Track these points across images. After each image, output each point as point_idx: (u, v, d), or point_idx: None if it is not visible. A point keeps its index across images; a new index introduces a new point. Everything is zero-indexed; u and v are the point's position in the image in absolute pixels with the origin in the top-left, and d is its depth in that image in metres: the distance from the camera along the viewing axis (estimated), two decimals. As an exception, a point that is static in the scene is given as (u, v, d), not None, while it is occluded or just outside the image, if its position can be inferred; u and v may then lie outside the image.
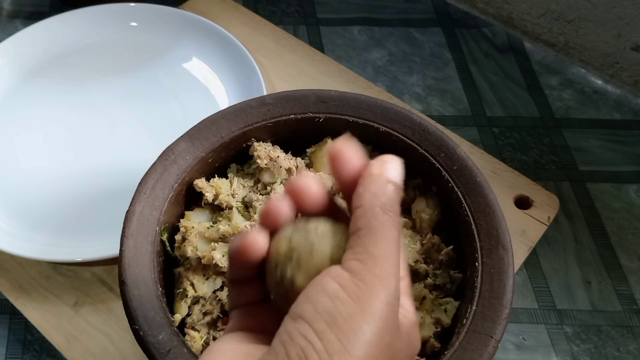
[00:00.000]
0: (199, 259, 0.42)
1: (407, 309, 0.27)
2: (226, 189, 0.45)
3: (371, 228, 0.24)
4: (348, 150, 0.27)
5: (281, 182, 0.46)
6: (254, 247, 0.27)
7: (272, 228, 0.27)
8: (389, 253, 0.24)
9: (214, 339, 0.41)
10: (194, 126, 0.45)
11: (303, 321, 0.23)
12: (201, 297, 0.41)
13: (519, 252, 0.53)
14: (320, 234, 0.26)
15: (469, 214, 0.41)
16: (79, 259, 0.50)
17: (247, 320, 0.28)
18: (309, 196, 0.27)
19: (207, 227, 0.43)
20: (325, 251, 0.26)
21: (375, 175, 0.26)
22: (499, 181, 0.58)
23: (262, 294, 0.29)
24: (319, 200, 0.27)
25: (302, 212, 0.28)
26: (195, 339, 0.40)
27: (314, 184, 0.27)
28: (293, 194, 0.27)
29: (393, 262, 0.24)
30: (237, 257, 0.27)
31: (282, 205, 0.27)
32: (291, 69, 0.67)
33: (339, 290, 0.23)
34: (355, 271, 0.23)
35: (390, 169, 0.26)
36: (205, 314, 0.41)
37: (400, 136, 0.45)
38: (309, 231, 0.26)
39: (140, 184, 0.42)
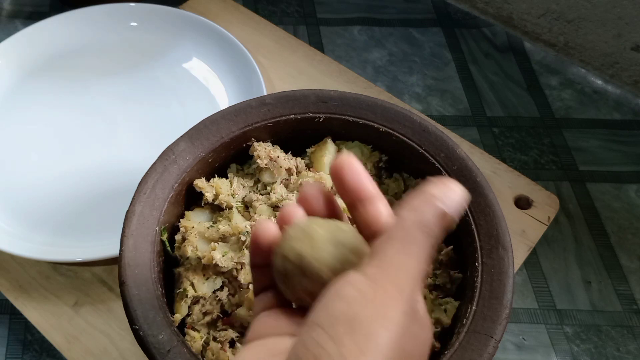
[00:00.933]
0: (199, 259, 0.42)
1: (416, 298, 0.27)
2: (226, 189, 0.45)
3: (400, 239, 0.24)
4: (350, 165, 0.28)
5: (281, 182, 0.46)
6: (264, 234, 0.29)
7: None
8: (411, 267, 0.24)
9: (214, 339, 0.41)
10: (194, 126, 0.45)
11: (318, 327, 0.22)
12: (201, 297, 0.41)
13: (519, 252, 0.53)
14: (323, 229, 0.27)
15: (469, 214, 0.41)
16: (79, 259, 0.50)
17: (271, 300, 0.30)
18: (317, 203, 0.29)
19: (207, 227, 0.43)
20: (327, 250, 0.26)
21: (428, 194, 0.25)
22: (499, 181, 0.58)
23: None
24: (324, 205, 0.29)
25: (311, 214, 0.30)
26: (195, 339, 0.41)
27: (320, 191, 0.30)
28: (303, 202, 0.29)
29: (413, 276, 0.23)
30: (252, 242, 0.29)
31: (296, 210, 0.29)
32: (291, 69, 0.67)
33: (355, 295, 0.23)
34: (373, 277, 0.23)
35: (448, 195, 0.25)
36: (205, 314, 0.41)
37: (400, 136, 0.45)
38: (312, 224, 0.27)
39: (140, 184, 0.42)
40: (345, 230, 0.27)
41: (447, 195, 0.25)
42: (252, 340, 0.28)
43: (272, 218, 0.42)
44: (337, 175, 0.28)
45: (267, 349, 0.26)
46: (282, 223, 0.29)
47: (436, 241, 0.25)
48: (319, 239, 0.27)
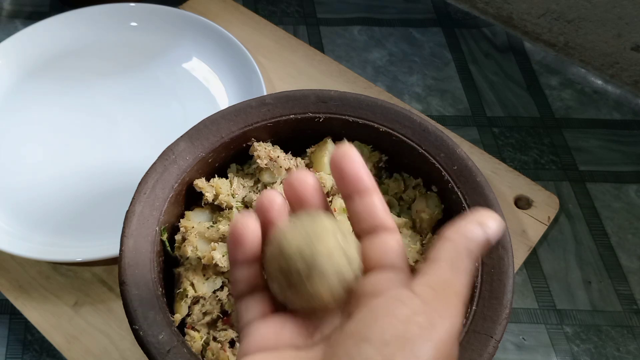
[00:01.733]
0: (199, 259, 0.42)
1: None
2: (226, 189, 0.45)
3: (449, 260, 0.25)
4: (351, 155, 0.28)
5: (281, 182, 0.46)
6: (248, 228, 0.28)
7: (265, 219, 0.28)
8: (459, 288, 0.25)
9: (214, 339, 0.41)
10: (194, 126, 0.45)
11: (369, 345, 0.22)
12: (201, 297, 0.41)
13: (519, 252, 0.53)
14: (316, 234, 0.26)
15: (469, 214, 0.41)
16: (79, 259, 0.50)
17: (264, 305, 0.29)
18: (307, 189, 0.29)
19: (207, 227, 0.43)
20: (331, 241, 0.26)
21: (476, 220, 0.26)
22: (499, 181, 0.58)
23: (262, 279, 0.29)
24: (315, 193, 0.29)
25: (300, 207, 0.29)
26: (195, 339, 0.41)
27: (311, 177, 0.29)
28: (290, 187, 0.29)
29: (462, 301, 0.25)
30: (234, 237, 0.28)
31: (276, 197, 0.28)
32: (291, 69, 0.67)
33: (411, 316, 0.23)
34: (425, 297, 0.24)
35: (492, 225, 0.26)
36: (205, 314, 0.41)
37: (400, 136, 0.45)
38: (313, 220, 0.27)
39: (140, 184, 0.42)
40: (348, 234, 0.27)
41: (490, 223, 0.26)
42: (250, 354, 0.26)
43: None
44: (337, 163, 0.28)
45: None
46: (264, 213, 0.28)
47: (475, 265, 0.26)
48: (329, 237, 0.26)
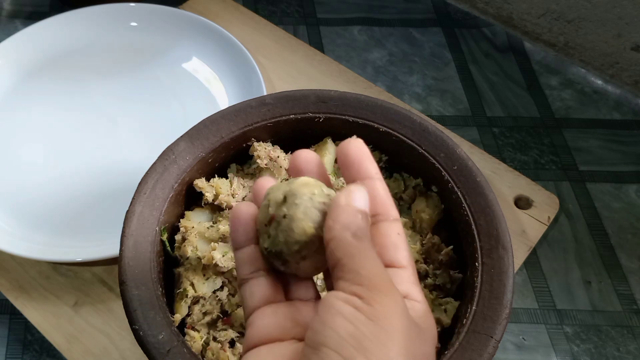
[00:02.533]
0: (199, 259, 0.42)
1: (416, 298, 0.27)
2: (226, 189, 0.45)
3: (351, 255, 0.25)
4: (357, 143, 0.29)
5: (281, 182, 0.46)
6: (246, 210, 0.29)
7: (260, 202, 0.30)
8: (378, 270, 0.24)
9: (214, 339, 0.41)
10: (194, 126, 0.45)
11: (328, 349, 0.22)
12: (201, 297, 0.41)
13: (519, 252, 0.53)
14: (302, 182, 0.28)
15: (469, 214, 0.41)
16: (79, 259, 0.50)
17: (268, 289, 0.29)
18: (308, 162, 0.30)
19: (207, 227, 0.43)
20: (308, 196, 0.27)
21: (343, 206, 0.26)
22: (499, 181, 0.58)
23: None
24: (316, 167, 0.30)
25: None
26: (195, 339, 0.40)
27: (314, 154, 0.31)
28: (294, 160, 0.30)
29: (387, 276, 0.24)
30: (234, 220, 0.29)
31: (268, 181, 0.30)
32: (291, 69, 0.67)
33: (356, 312, 0.23)
34: (360, 294, 0.24)
35: (357, 198, 0.26)
36: (205, 314, 0.41)
37: (400, 136, 0.45)
38: (291, 181, 0.28)
39: (140, 184, 0.42)
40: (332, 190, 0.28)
41: (357, 200, 0.26)
42: (255, 343, 0.27)
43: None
44: (342, 150, 0.29)
45: (275, 358, 0.26)
46: (259, 195, 0.30)
47: (370, 239, 0.26)
48: (313, 185, 0.27)
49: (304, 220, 0.26)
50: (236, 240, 0.29)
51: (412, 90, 0.69)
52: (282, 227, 0.27)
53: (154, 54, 0.67)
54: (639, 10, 0.63)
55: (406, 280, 0.27)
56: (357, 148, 0.29)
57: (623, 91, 0.69)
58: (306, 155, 0.30)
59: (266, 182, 0.31)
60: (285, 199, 0.27)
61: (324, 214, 0.27)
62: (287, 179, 0.29)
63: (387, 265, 0.27)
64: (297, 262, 0.27)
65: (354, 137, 0.30)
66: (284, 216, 0.27)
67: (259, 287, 0.28)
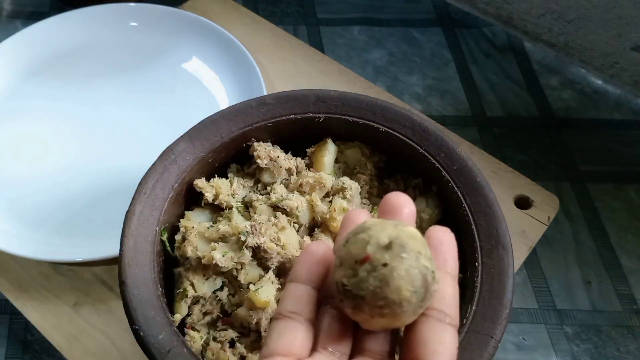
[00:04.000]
0: (199, 259, 0.42)
1: None
2: (226, 189, 0.45)
3: None
4: (449, 240, 0.28)
5: (281, 182, 0.46)
6: (317, 248, 0.28)
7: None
8: None
9: (214, 339, 0.41)
10: (194, 126, 0.45)
11: None
12: (201, 297, 0.41)
13: (519, 252, 0.53)
14: (410, 234, 0.25)
15: (469, 214, 0.41)
16: (79, 259, 0.50)
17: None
18: (406, 215, 0.29)
19: (207, 227, 0.43)
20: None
21: None
22: (499, 181, 0.58)
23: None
24: (410, 219, 0.29)
25: None
26: (195, 339, 0.40)
27: (409, 201, 0.29)
28: (386, 206, 0.29)
29: None
30: (304, 256, 0.28)
31: (364, 214, 0.29)
32: (291, 69, 0.67)
33: None
34: None
35: None
36: (205, 314, 0.41)
37: (400, 136, 0.45)
38: (397, 227, 0.26)
39: (140, 184, 0.42)
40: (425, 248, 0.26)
41: None
42: None
43: (272, 218, 0.42)
44: (437, 237, 0.28)
45: None
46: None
47: None
48: (418, 239, 0.25)
49: (404, 280, 0.24)
50: (297, 274, 0.27)
51: (412, 90, 0.69)
52: (376, 274, 0.24)
53: (154, 54, 0.67)
54: (639, 10, 0.63)
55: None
56: (447, 239, 0.28)
57: (623, 91, 0.69)
58: (401, 199, 0.28)
59: (361, 214, 0.29)
60: (390, 245, 0.24)
61: (424, 280, 0.24)
62: (392, 222, 0.26)
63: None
64: (373, 316, 0.25)
65: (447, 229, 0.28)
66: (385, 265, 0.24)
67: (291, 332, 0.26)
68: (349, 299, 0.25)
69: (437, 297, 0.26)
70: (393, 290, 0.24)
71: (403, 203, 0.28)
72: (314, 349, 0.26)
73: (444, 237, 0.28)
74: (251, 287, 0.40)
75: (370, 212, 0.45)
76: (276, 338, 0.26)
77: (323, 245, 0.28)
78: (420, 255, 0.25)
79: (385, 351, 0.27)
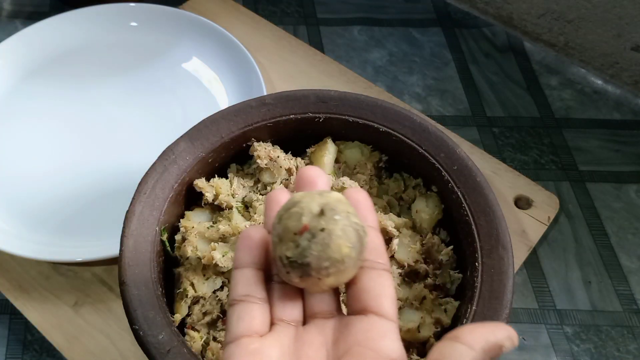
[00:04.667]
0: (199, 259, 0.42)
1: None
2: (226, 189, 0.45)
3: None
4: (363, 197, 0.31)
5: (281, 182, 0.46)
6: (252, 231, 0.29)
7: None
8: None
9: (214, 339, 0.41)
10: (194, 126, 0.45)
11: None
12: (201, 297, 0.42)
13: (519, 252, 0.53)
14: (337, 198, 0.28)
15: (469, 214, 0.41)
16: (79, 259, 0.50)
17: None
18: (317, 180, 0.31)
19: (207, 227, 0.43)
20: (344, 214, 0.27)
21: (498, 339, 0.25)
22: (499, 181, 0.58)
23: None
24: (325, 185, 0.31)
25: None
26: (195, 339, 0.41)
27: (323, 173, 0.32)
28: (302, 181, 0.31)
29: None
30: (241, 241, 0.29)
31: (284, 193, 0.31)
32: (291, 69, 0.67)
33: None
34: None
35: (508, 345, 0.26)
36: (205, 314, 0.41)
37: (400, 136, 0.45)
38: (322, 196, 0.28)
39: (140, 184, 0.42)
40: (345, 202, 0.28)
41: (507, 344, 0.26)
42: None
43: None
44: (352, 196, 0.30)
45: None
46: (272, 208, 0.30)
47: None
48: (345, 202, 0.27)
49: (342, 238, 0.26)
50: (240, 260, 0.29)
51: (412, 90, 0.69)
52: (317, 240, 0.26)
53: (154, 54, 0.67)
54: (639, 10, 0.63)
55: (390, 335, 0.27)
56: (363, 197, 0.31)
57: (623, 91, 0.69)
58: (315, 172, 0.31)
59: (282, 193, 0.31)
60: (322, 212, 0.27)
61: (358, 235, 0.27)
62: (317, 191, 0.29)
63: (365, 311, 0.27)
64: (320, 278, 0.27)
65: (363, 189, 0.31)
66: (322, 229, 0.26)
67: (249, 314, 0.28)
68: (295, 269, 0.27)
69: (368, 248, 0.28)
70: (335, 249, 0.26)
71: (317, 175, 0.31)
72: (272, 324, 0.28)
73: (360, 196, 0.31)
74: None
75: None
76: (236, 322, 0.27)
77: (258, 228, 0.29)
78: (350, 214, 0.27)
79: (334, 309, 0.29)
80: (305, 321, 0.29)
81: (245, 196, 0.45)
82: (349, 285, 0.29)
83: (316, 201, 0.27)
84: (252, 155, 0.46)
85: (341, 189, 0.44)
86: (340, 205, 0.27)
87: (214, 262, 0.41)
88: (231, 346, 0.27)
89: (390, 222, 0.43)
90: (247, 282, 0.28)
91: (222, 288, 0.42)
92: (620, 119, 0.67)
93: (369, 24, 0.76)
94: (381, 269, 0.29)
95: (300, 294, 0.29)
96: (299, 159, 0.47)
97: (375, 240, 0.30)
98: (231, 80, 0.64)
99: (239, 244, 0.29)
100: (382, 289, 0.28)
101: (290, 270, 0.27)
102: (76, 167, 0.58)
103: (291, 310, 0.29)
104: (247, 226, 0.42)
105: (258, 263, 0.29)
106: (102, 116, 0.62)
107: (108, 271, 0.53)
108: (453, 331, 0.25)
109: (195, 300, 0.42)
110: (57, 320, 0.50)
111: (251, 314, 0.28)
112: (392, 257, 0.43)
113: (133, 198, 0.42)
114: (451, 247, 0.43)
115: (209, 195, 0.44)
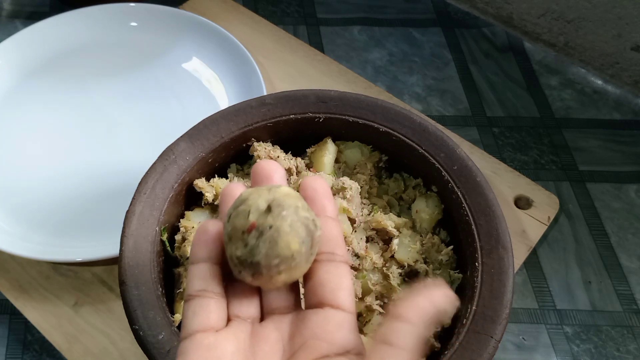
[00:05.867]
0: (199, 259, 0.42)
1: (362, 351, 0.27)
2: (226, 189, 0.45)
3: (413, 353, 0.25)
4: (320, 185, 0.30)
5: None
6: (208, 225, 0.29)
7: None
8: None
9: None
10: (194, 126, 0.45)
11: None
12: (201, 297, 0.41)
13: (519, 252, 0.53)
14: (285, 192, 0.27)
15: (469, 214, 0.41)
16: (79, 259, 0.50)
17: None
18: (272, 173, 0.30)
19: (207, 227, 0.43)
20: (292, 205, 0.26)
21: (434, 301, 0.25)
22: (499, 181, 0.58)
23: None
24: (281, 179, 0.30)
25: None
26: (195, 339, 0.40)
27: (279, 166, 0.30)
28: (257, 176, 0.30)
29: None
30: (197, 236, 0.29)
31: (239, 187, 0.30)
32: (291, 69, 0.67)
33: None
34: None
35: (446, 306, 0.26)
36: (205, 314, 0.41)
37: (400, 136, 0.45)
38: (270, 190, 0.27)
39: (140, 184, 0.42)
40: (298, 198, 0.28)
41: (444, 303, 0.26)
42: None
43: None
44: (308, 185, 0.30)
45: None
46: (226, 202, 0.30)
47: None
48: (294, 196, 0.27)
49: (290, 235, 0.26)
50: (195, 255, 0.28)
51: (412, 90, 0.69)
52: (265, 238, 0.26)
53: (154, 54, 0.67)
54: (639, 10, 0.63)
55: (346, 326, 0.27)
56: (320, 186, 0.30)
57: (623, 91, 0.69)
58: (271, 166, 0.30)
59: (237, 188, 0.30)
60: (269, 208, 0.26)
61: (308, 230, 0.26)
62: (265, 187, 0.28)
63: (321, 304, 0.27)
64: (272, 276, 0.26)
65: (318, 176, 0.31)
66: (270, 227, 0.26)
67: (204, 309, 0.27)
68: (246, 268, 0.26)
69: (323, 240, 0.28)
70: (283, 246, 0.26)
71: (273, 170, 0.30)
72: (228, 320, 0.28)
73: (317, 185, 0.30)
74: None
75: (370, 212, 0.45)
76: (192, 317, 0.27)
77: (214, 222, 0.29)
78: (299, 209, 0.26)
79: (291, 304, 0.29)
80: (263, 317, 0.29)
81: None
82: (306, 279, 0.28)
83: (263, 197, 0.27)
84: (252, 155, 0.46)
85: (341, 189, 0.44)
86: (288, 200, 0.26)
87: (214, 262, 0.41)
88: (185, 342, 0.26)
89: (390, 222, 0.43)
90: (203, 277, 0.28)
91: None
92: (620, 119, 0.67)
93: (369, 24, 0.76)
94: (338, 261, 0.28)
95: (257, 290, 0.29)
96: (299, 159, 0.47)
97: (332, 231, 0.29)
98: (231, 80, 0.64)
99: (195, 238, 0.29)
100: (339, 281, 0.28)
101: (241, 269, 0.27)
102: (76, 167, 0.58)
103: (247, 307, 0.28)
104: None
105: (214, 257, 0.28)
106: (102, 116, 0.62)
107: (108, 271, 0.53)
108: (395, 308, 0.25)
109: (195, 300, 0.42)
110: (57, 321, 0.50)
111: (207, 308, 0.27)
112: (392, 257, 0.43)
113: (133, 198, 0.42)
114: (451, 247, 0.43)
115: (209, 195, 0.44)
